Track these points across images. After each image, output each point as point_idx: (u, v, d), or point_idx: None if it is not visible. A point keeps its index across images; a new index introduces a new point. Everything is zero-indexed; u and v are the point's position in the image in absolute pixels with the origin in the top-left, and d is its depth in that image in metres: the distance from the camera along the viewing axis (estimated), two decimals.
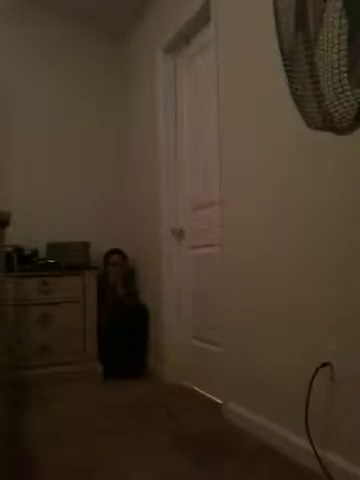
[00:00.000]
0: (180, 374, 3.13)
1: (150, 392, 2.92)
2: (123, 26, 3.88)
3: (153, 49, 3.45)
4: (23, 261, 3.23)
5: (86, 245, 3.45)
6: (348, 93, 0.83)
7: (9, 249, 3.02)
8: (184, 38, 3.11)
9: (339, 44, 0.87)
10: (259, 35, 2.16)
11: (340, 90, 0.85)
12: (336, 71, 0.86)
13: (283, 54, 1.00)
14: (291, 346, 1.93)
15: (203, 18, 2.81)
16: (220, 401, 2.56)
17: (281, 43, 1.03)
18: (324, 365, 1.72)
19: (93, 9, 3.64)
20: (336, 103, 0.86)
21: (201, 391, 2.89)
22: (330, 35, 0.90)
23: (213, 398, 2.72)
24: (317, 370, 1.74)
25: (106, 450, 2.02)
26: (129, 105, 4.04)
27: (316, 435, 1.76)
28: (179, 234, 3.20)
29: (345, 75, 0.85)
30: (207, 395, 2.80)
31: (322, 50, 0.91)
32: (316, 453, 1.71)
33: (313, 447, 1.72)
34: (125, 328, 3.37)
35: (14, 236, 3.25)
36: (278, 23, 1.04)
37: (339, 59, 0.86)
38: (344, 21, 0.88)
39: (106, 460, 1.91)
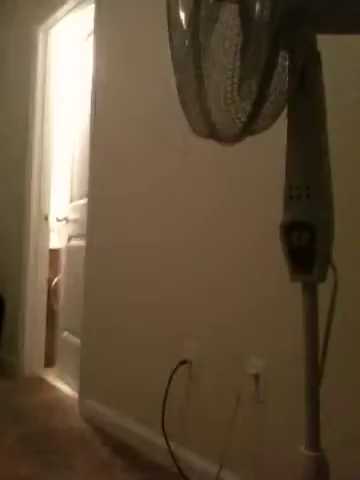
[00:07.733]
0: (40, 367, 3.06)
1: (2, 386, 2.77)
2: None
3: (30, 24, 3.22)
4: None
5: None
6: (234, 107, 0.83)
7: None
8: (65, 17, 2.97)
9: (229, 57, 0.88)
10: (148, 25, 2.12)
11: (228, 102, 0.85)
12: (227, 82, 0.86)
13: (173, 60, 0.98)
14: (152, 343, 1.95)
15: None
16: (77, 396, 2.50)
17: (172, 48, 1.02)
18: (183, 363, 1.76)
19: None
20: (221, 115, 0.86)
21: (60, 385, 2.81)
22: (222, 46, 0.91)
23: (72, 393, 2.65)
24: (176, 368, 1.78)
25: None
26: None
27: (172, 432, 1.79)
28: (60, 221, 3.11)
29: (236, 87, 0.85)
30: (66, 390, 2.73)
31: (213, 61, 0.91)
32: (170, 450, 1.73)
33: (168, 444, 1.75)
34: None
35: None
36: (170, 22, 1.02)
37: (227, 73, 0.87)
38: (237, 33, 0.88)
39: None
